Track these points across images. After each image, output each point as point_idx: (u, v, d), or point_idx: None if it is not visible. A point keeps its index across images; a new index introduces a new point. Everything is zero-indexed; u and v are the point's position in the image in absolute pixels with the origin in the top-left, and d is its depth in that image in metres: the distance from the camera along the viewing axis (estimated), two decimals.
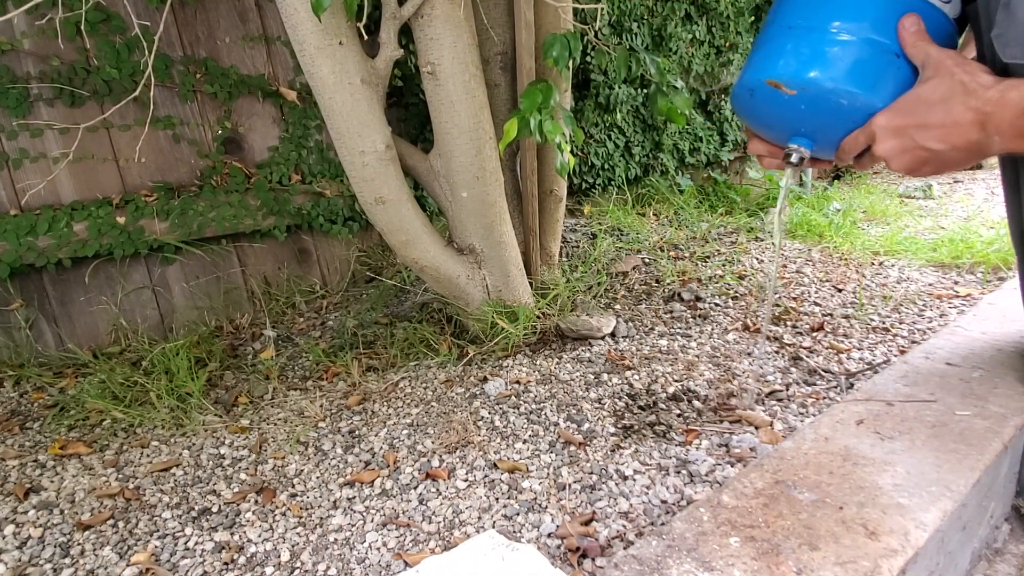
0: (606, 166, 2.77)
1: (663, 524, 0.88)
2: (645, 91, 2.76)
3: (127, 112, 1.59)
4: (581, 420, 1.20)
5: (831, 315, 1.65)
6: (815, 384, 1.30)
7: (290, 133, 1.86)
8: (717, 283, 1.90)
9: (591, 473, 1.04)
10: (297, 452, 1.17)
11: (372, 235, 2.08)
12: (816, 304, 1.73)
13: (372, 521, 0.97)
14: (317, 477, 1.09)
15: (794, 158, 0.89)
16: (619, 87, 2.66)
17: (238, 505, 1.03)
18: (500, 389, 1.34)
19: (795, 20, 0.85)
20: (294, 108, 1.85)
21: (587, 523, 0.92)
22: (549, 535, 0.90)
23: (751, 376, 1.34)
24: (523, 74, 1.48)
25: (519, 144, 1.60)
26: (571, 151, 1.48)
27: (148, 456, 1.19)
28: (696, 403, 1.25)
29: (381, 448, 1.16)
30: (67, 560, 0.93)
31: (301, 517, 0.99)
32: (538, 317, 1.59)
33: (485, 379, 1.39)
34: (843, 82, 0.80)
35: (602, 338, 1.56)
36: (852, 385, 1.28)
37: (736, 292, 1.83)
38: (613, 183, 2.83)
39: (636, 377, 1.36)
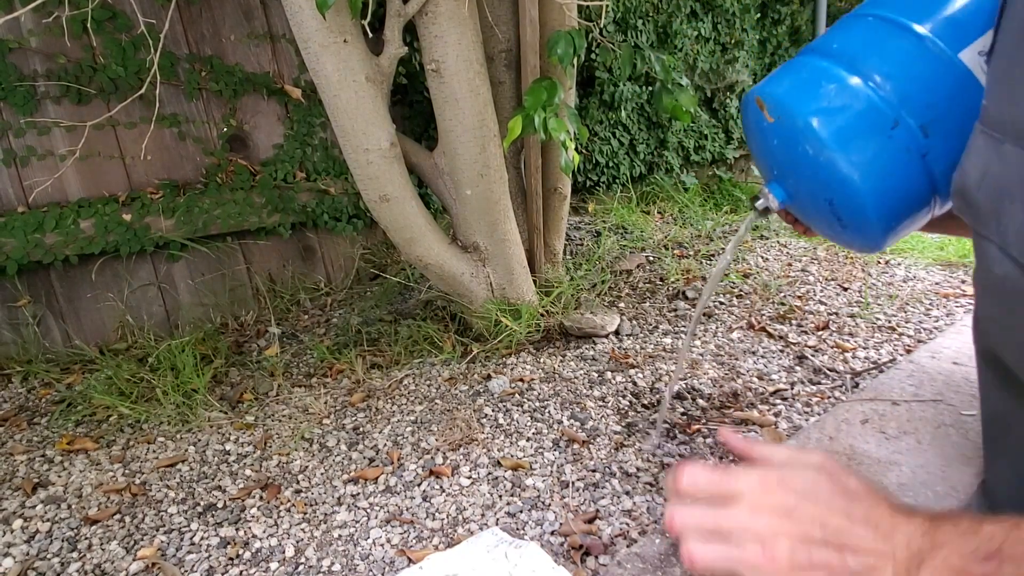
0: (611, 164, 2.76)
1: None
2: (650, 88, 2.75)
3: (133, 110, 1.60)
4: (584, 418, 1.20)
5: (836, 314, 1.64)
6: (820, 383, 1.30)
7: (295, 131, 1.86)
8: (721, 281, 1.89)
9: (594, 471, 1.04)
10: (302, 449, 1.17)
11: (376, 233, 2.08)
12: (821, 303, 1.73)
13: (376, 518, 0.97)
14: (321, 474, 1.09)
15: (759, 203, 0.77)
16: (624, 84, 2.65)
17: (243, 501, 1.03)
18: (504, 387, 1.34)
19: (818, 42, 0.73)
20: (298, 106, 1.86)
21: (590, 521, 0.92)
22: (552, 532, 0.91)
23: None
24: (527, 71, 1.48)
25: (523, 142, 1.60)
26: (575, 148, 1.48)
27: (154, 452, 1.19)
28: (700, 401, 1.25)
29: (385, 445, 1.17)
30: (74, 554, 0.94)
31: (306, 513, 0.99)
32: (542, 315, 1.59)
33: (489, 377, 1.39)
34: (810, 122, 0.66)
35: (606, 336, 1.56)
36: (857, 384, 1.28)
37: (740, 291, 1.83)
38: (617, 181, 2.82)
39: (640, 375, 1.36)
